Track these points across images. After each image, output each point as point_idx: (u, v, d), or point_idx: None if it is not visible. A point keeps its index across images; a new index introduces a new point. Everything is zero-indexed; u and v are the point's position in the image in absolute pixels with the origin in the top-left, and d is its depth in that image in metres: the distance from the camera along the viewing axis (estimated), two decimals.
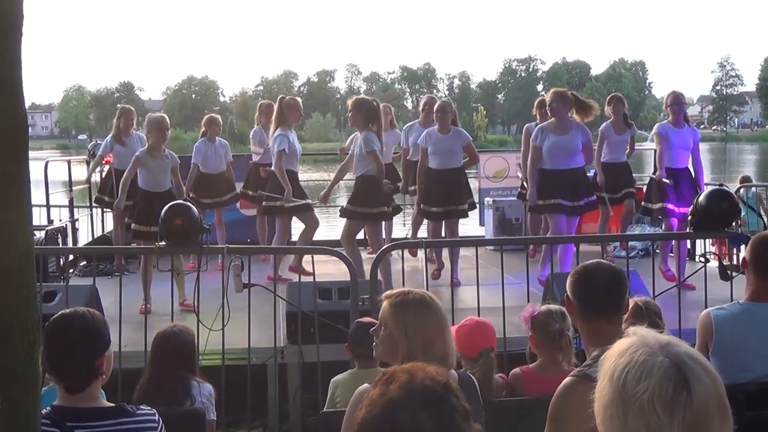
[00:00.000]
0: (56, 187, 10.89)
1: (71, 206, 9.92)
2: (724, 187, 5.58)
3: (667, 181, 7.48)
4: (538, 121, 8.30)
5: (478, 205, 10.44)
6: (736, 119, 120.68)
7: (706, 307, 3.73)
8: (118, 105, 10.43)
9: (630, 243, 8.34)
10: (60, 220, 9.68)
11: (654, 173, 7.84)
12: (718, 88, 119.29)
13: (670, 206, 7.56)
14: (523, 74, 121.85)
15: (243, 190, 9.08)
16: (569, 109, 7.43)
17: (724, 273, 5.10)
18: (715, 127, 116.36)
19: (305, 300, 5.29)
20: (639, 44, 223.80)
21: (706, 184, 8.61)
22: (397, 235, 9.81)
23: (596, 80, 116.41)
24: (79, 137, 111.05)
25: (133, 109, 9.47)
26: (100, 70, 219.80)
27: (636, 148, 9.02)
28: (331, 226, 11.52)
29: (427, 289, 3.57)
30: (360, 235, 9.81)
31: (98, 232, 10.15)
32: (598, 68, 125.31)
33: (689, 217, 5.47)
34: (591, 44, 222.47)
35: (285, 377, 5.73)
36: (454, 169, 7.69)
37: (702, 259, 8.03)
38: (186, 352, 3.96)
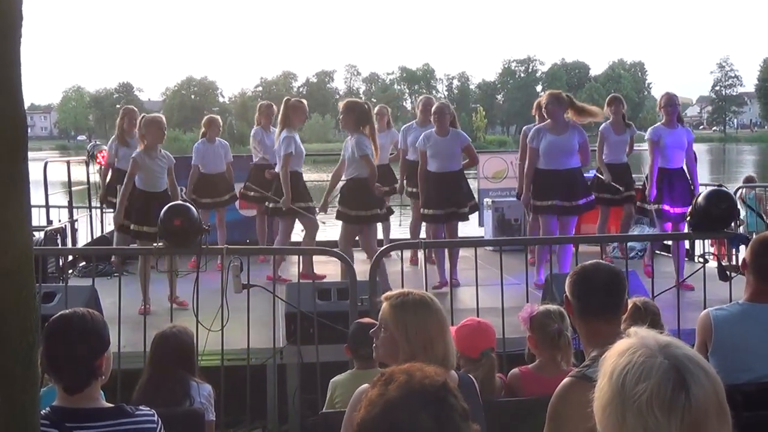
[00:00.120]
0: (55, 187, 10.90)
1: (70, 207, 9.92)
2: (723, 188, 5.59)
3: (653, 194, 7.63)
4: (537, 122, 8.31)
5: (478, 206, 10.46)
6: (735, 120, 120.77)
7: (705, 308, 3.74)
8: (117, 106, 10.44)
9: (629, 243, 8.35)
10: (59, 221, 9.68)
11: (646, 175, 7.89)
12: (717, 88, 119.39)
13: (666, 207, 7.61)
14: (522, 75, 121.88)
15: (243, 191, 9.08)
16: (564, 110, 7.50)
17: (723, 273, 5.11)
18: (714, 128, 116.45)
19: (304, 300, 5.30)
20: (638, 45, 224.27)
21: (705, 185, 8.64)
22: (395, 235, 9.82)
23: (595, 81, 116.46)
24: (78, 138, 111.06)
25: (135, 109, 9.47)
26: (99, 71, 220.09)
27: (635, 148, 9.03)
28: (331, 227, 11.52)
29: (427, 290, 3.57)
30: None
31: (97, 233, 10.15)
32: (597, 69, 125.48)
33: (688, 218, 5.48)
34: (590, 45, 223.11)
35: (284, 378, 5.73)
36: (453, 172, 7.63)
37: (701, 260, 8.03)
38: (185, 353, 3.96)
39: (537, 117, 8.59)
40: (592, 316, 2.72)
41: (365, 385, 1.80)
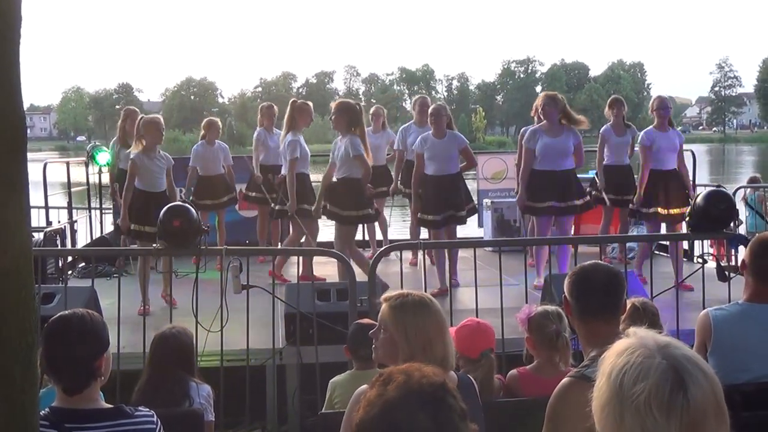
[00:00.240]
0: (55, 188, 10.89)
1: (70, 208, 9.92)
2: (722, 189, 5.60)
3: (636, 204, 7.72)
4: (535, 123, 8.32)
5: (477, 208, 10.46)
6: (735, 120, 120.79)
7: (704, 308, 3.74)
8: (117, 106, 10.45)
9: (628, 244, 8.36)
10: (59, 222, 9.67)
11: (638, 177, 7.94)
12: (716, 89, 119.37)
13: (661, 210, 7.66)
14: (521, 76, 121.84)
15: (246, 192, 9.08)
16: (560, 111, 7.52)
17: (722, 274, 5.12)
18: (714, 129, 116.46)
19: (304, 301, 5.30)
20: (637, 46, 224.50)
21: (705, 186, 8.64)
22: (392, 237, 9.83)
23: (595, 81, 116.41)
24: (78, 139, 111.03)
25: (137, 110, 9.48)
26: (99, 72, 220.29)
27: (636, 149, 9.04)
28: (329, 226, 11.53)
29: (426, 291, 3.57)
30: (359, 236, 9.85)
31: (97, 234, 10.15)
32: (596, 69, 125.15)
33: (687, 219, 5.49)
34: (590, 46, 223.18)
35: (284, 378, 5.73)
36: (451, 174, 7.55)
37: (700, 260, 8.04)
38: (184, 354, 3.96)
39: (536, 119, 8.61)
40: (591, 316, 2.73)
41: (365, 386, 1.81)
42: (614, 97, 9.04)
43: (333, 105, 7.41)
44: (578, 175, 9.94)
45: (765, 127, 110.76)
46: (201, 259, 5.25)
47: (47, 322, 2.64)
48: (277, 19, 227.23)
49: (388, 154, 9.42)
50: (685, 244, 8.57)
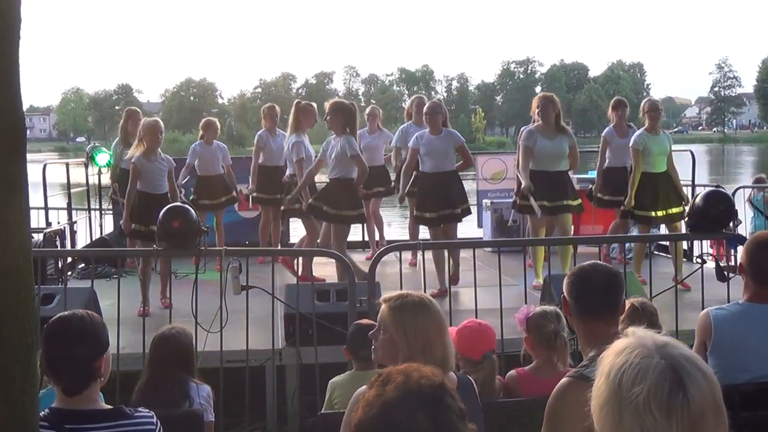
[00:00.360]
0: (54, 189, 10.88)
1: (69, 209, 9.92)
2: (721, 189, 5.61)
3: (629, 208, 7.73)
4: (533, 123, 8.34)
5: (476, 207, 10.47)
6: (734, 121, 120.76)
7: (703, 308, 3.74)
8: (117, 107, 10.44)
9: (627, 245, 8.37)
10: (58, 223, 9.66)
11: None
12: (716, 89, 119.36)
13: (654, 213, 7.71)
14: (521, 76, 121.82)
15: (249, 193, 9.06)
16: (556, 112, 7.58)
17: (721, 274, 5.12)
18: (714, 129, 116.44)
19: (303, 302, 5.30)
20: (637, 46, 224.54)
21: (704, 186, 8.65)
22: (391, 237, 9.83)
23: (594, 82, 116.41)
24: (78, 140, 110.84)
25: (138, 110, 9.47)
26: (98, 73, 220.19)
27: None
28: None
29: (425, 291, 3.58)
30: (359, 237, 9.85)
31: (96, 235, 10.15)
32: (596, 70, 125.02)
33: (686, 219, 5.50)
34: (589, 46, 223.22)
35: (283, 379, 5.74)
36: (447, 172, 7.54)
37: (699, 260, 8.05)
38: (184, 354, 3.96)
39: (534, 117, 8.62)
40: (590, 316, 2.73)
41: (365, 387, 1.81)
42: (618, 98, 9.05)
43: (328, 105, 7.43)
44: (578, 176, 9.97)
45: (765, 128, 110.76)
46: (200, 260, 5.25)
47: (47, 323, 2.64)
48: (277, 20, 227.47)
49: (385, 155, 9.42)
50: (685, 245, 8.57)
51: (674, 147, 8.20)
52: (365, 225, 9.26)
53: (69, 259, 8.86)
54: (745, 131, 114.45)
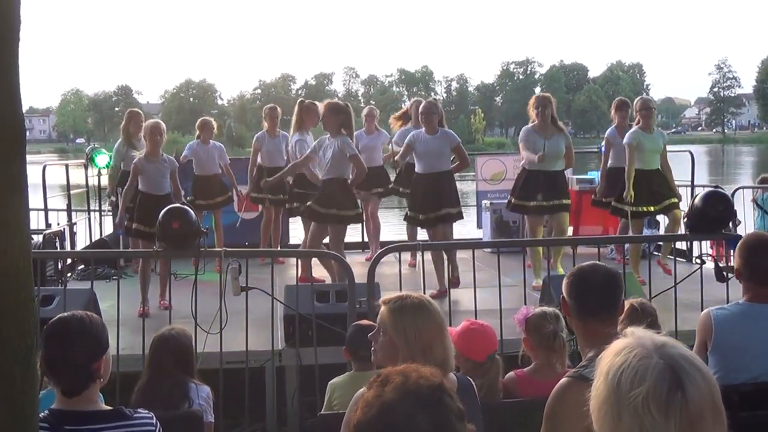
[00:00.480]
0: (54, 191, 10.89)
1: (69, 210, 9.92)
2: (720, 189, 5.61)
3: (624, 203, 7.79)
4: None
5: (476, 208, 10.49)
6: (734, 121, 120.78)
7: (702, 309, 3.75)
8: (117, 109, 10.43)
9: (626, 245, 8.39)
10: (58, 224, 9.66)
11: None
12: (715, 90, 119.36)
13: (644, 209, 7.79)
14: (520, 77, 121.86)
15: (251, 193, 9.07)
16: (552, 112, 7.64)
17: (721, 274, 5.12)
18: (714, 130, 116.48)
19: (302, 303, 5.30)
20: (636, 47, 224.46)
21: (703, 186, 8.66)
22: (391, 237, 9.83)
23: (594, 83, 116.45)
24: (77, 141, 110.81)
25: (140, 111, 9.47)
26: (98, 74, 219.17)
27: None
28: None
29: (425, 292, 3.58)
30: (358, 238, 9.86)
31: (96, 236, 10.15)
32: (595, 71, 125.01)
33: (685, 219, 5.50)
34: (588, 47, 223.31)
35: (283, 380, 5.74)
36: (442, 172, 7.47)
37: (698, 261, 8.06)
38: (183, 355, 3.96)
39: (532, 115, 8.64)
40: (590, 316, 2.73)
41: (365, 388, 1.81)
42: (621, 99, 9.06)
43: (324, 106, 7.43)
44: (578, 176, 9.98)
45: (764, 128, 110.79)
46: (200, 261, 5.25)
47: (47, 324, 2.65)
48: (276, 21, 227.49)
49: (384, 155, 9.42)
50: (684, 245, 8.59)
51: (674, 148, 8.24)
52: (364, 226, 9.28)
53: (69, 261, 8.87)
54: (744, 132, 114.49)
